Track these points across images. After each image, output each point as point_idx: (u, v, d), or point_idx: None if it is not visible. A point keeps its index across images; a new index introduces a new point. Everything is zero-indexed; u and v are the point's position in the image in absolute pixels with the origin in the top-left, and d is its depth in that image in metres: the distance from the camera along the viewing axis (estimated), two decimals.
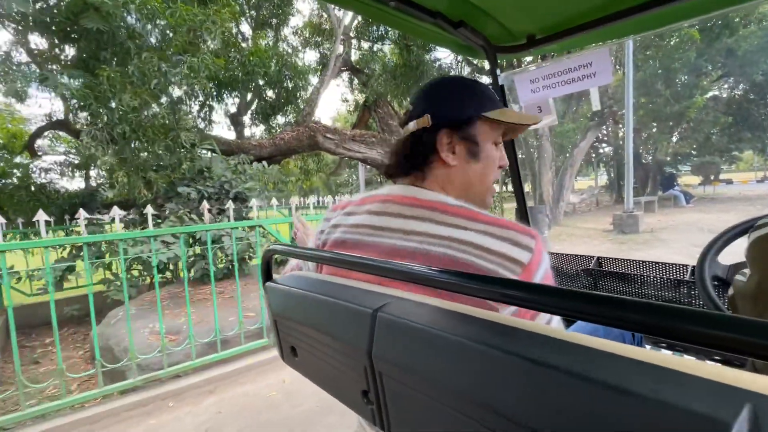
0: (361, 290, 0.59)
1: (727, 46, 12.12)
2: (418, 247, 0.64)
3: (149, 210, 2.61)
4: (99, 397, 2.51)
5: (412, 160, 0.73)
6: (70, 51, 5.62)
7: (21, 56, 6.18)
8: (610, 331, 1.06)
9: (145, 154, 4.62)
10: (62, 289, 4.97)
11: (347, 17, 8.88)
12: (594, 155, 20.87)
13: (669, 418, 0.27)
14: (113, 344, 3.19)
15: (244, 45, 7.91)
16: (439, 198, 0.68)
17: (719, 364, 0.31)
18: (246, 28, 9.16)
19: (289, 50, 9.20)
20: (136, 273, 4.86)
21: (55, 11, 4.56)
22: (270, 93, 8.74)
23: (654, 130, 16.05)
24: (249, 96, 9.00)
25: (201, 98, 7.44)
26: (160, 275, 5.03)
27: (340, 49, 8.68)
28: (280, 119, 9.42)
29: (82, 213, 2.28)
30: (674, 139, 16.96)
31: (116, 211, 2.38)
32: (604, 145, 19.52)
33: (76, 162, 7.81)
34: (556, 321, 0.61)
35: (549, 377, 0.33)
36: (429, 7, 1.12)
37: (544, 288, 0.37)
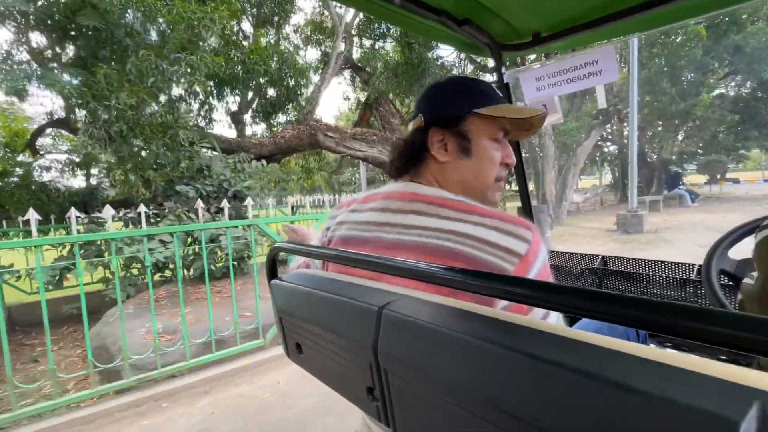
0: (366, 287, 0.60)
1: (735, 42, 11.96)
2: (415, 240, 0.65)
3: (142, 209, 2.59)
4: (95, 397, 2.49)
5: (409, 159, 0.76)
6: (69, 49, 5.61)
7: (22, 55, 6.18)
8: (614, 330, 1.06)
9: (144, 152, 4.60)
10: (62, 288, 4.97)
11: (349, 15, 8.84)
12: (598, 154, 20.72)
13: (676, 416, 0.26)
14: (110, 343, 3.17)
15: (245, 43, 7.89)
16: (437, 193, 0.69)
17: (726, 363, 0.29)
18: (248, 26, 9.14)
19: (290, 48, 9.17)
20: (135, 272, 4.85)
21: (54, 9, 4.54)
22: (271, 91, 8.72)
23: (659, 128, 15.87)
24: (250, 94, 8.98)
25: (201, 96, 7.42)
26: (160, 274, 5.02)
27: (342, 46, 8.63)
28: (281, 118, 9.40)
29: (72, 212, 2.26)
30: (680, 137, 16.79)
31: (109, 211, 2.36)
32: (608, 143, 19.36)
33: (77, 160, 7.82)
34: (554, 317, 0.61)
35: (555, 374, 0.33)
36: (434, 5, 1.12)
37: (547, 285, 0.37)
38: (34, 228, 2.11)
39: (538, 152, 12.45)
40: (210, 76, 5.49)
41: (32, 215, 2.09)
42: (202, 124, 7.90)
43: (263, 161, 5.95)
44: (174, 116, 4.76)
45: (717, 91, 14.48)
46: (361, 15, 8.86)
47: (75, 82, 4.37)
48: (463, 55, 9.24)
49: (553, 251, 1.71)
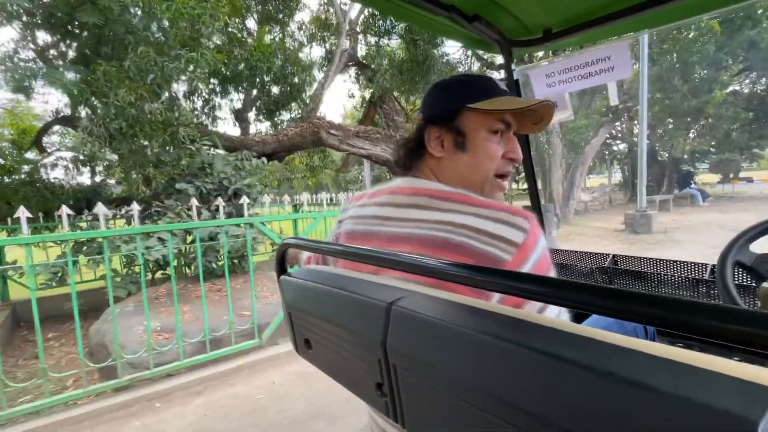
0: (375, 283, 0.60)
1: (749, 38, 11.61)
2: (413, 233, 0.66)
3: (135, 206, 2.56)
4: (92, 395, 2.47)
5: (409, 156, 0.79)
6: (72, 47, 5.63)
7: (27, 53, 6.22)
8: (622, 329, 1.04)
9: (144, 149, 4.59)
10: (65, 284, 5.00)
11: (353, 11, 8.75)
12: (607, 152, 20.39)
13: (692, 415, 0.26)
14: (108, 341, 3.16)
15: (250, 40, 7.86)
16: (436, 186, 0.71)
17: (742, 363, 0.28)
18: (252, 23, 9.11)
19: (295, 45, 9.12)
20: (137, 269, 4.86)
21: (55, 6, 4.55)
22: (275, 89, 8.69)
23: (670, 126, 15.51)
24: (254, 92, 8.96)
25: (205, 94, 7.41)
26: (161, 271, 5.03)
27: (346, 43, 8.56)
28: (285, 115, 9.37)
29: (64, 209, 2.23)
30: (691, 135, 16.38)
31: (101, 209, 2.33)
32: (617, 141, 19.04)
33: (82, 158, 7.88)
34: (555, 310, 0.60)
35: (566, 371, 0.33)
36: (443, 1, 1.11)
37: (553, 281, 0.37)
38: (24, 226, 2.08)
39: (546, 150, 12.28)
40: (213, 73, 5.46)
41: (22, 213, 2.07)
42: (207, 121, 7.89)
43: (264, 159, 5.92)
44: (175, 114, 4.74)
45: (730, 88, 14.08)
46: (366, 11, 8.77)
47: (76, 79, 4.37)
48: (469, 52, 9.10)
49: (564, 250, 1.70)
